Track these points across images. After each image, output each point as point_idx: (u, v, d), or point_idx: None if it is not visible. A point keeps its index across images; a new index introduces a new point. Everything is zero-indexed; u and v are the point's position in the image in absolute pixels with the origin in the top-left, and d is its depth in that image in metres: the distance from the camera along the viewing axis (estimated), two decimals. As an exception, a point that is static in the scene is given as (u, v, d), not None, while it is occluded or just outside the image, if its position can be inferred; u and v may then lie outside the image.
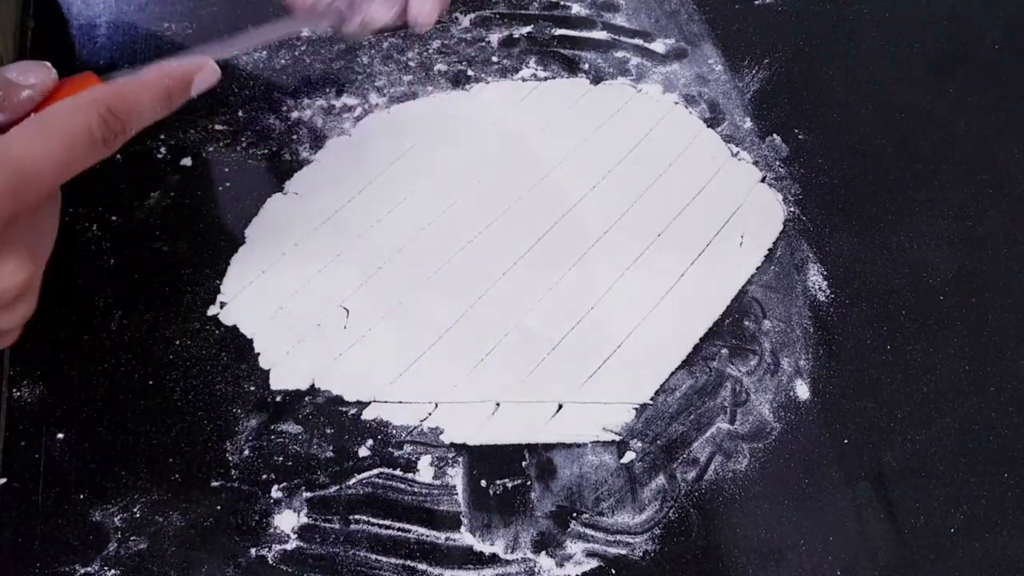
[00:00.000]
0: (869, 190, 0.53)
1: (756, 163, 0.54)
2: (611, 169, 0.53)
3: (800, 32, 0.58)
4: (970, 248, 0.52)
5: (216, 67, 0.41)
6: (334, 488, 0.43)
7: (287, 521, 0.42)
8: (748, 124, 0.55)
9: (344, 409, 0.45)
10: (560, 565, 0.42)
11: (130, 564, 0.41)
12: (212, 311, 0.46)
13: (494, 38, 0.57)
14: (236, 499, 0.43)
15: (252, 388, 0.45)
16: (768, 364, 0.48)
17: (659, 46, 0.57)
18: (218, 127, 0.52)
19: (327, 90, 0.53)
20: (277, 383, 0.45)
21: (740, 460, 0.45)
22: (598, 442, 0.45)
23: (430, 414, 0.45)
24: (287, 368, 0.46)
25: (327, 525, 0.42)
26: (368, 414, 0.45)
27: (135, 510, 0.42)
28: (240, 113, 0.52)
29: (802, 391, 0.47)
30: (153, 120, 0.39)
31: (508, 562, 0.42)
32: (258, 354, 0.46)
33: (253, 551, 0.42)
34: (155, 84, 0.40)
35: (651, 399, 0.47)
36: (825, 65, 0.57)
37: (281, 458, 0.44)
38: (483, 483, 0.44)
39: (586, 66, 0.56)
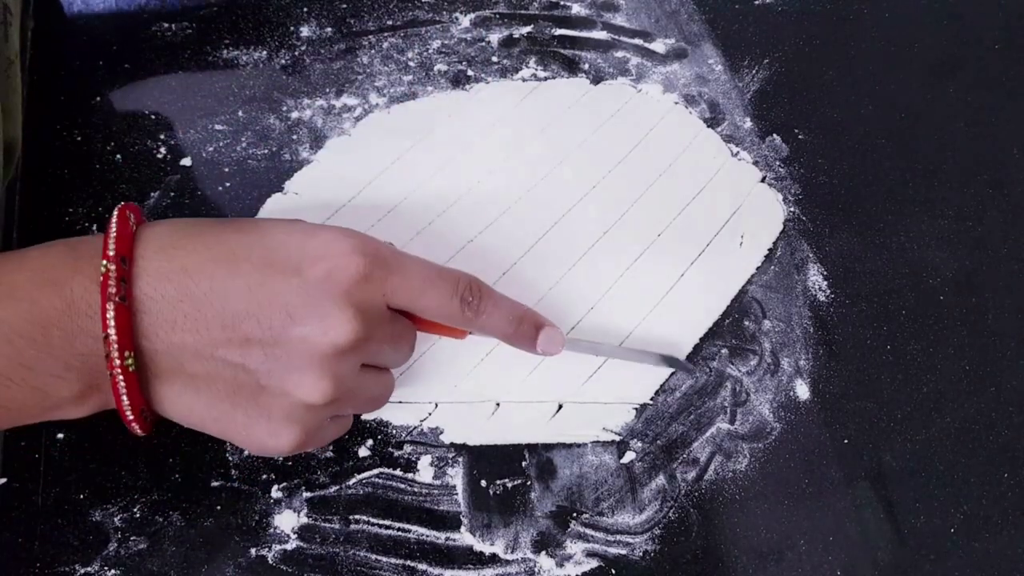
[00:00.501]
0: (869, 190, 0.53)
1: (756, 163, 0.54)
2: (611, 169, 0.52)
3: (800, 32, 0.58)
4: (970, 248, 0.52)
5: (563, 340, 0.43)
6: (334, 488, 0.43)
7: (287, 521, 0.42)
8: (748, 124, 0.55)
9: (344, 409, 0.45)
10: (560, 565, 0.42)
11: (130, 564, 0.41)
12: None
13: (494, 38, 0.57)
14: (236, 499, 0.43)
15: (252, 388, 0.45)
16: (768, 364, 0.48)
17: (659, 46, 0.57)
18: (218, 127, 0.52)
19: (327, 90, 0.53)
20: None
21: (740, 460, 0.45)
22: (598, 442, 0.45)
23: (430, 414, 0.45)
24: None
25: (327, 525, 0.42)
26: (368, 414, 0.45)
27: (135, 510, 0.42)
28: (240, 113, 0.52)
29: (802, 391, 0.47)
30: (499, 327, 0.42)
31: (508, 562, 0.42)
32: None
33: (253, 551, 0.42)
34: (512, 303, 0.42)
35: (651, 399, 0.47)
36: (825, 65, 0.57)
37: (281, 458, 0.44)
38: (483, 483, 0.44)
39: (586, 66, 0.56)
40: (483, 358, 0.47)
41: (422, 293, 0.38)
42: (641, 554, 0.43)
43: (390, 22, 0.56)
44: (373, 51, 0.55)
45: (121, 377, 0.34)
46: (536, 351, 0.43)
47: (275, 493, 0.43)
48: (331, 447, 0.44)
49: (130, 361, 0.34)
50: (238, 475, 0.43)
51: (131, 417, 0.36)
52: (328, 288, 0.35)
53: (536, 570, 0.42)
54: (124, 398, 0.35)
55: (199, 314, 0.34)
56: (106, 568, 0.41)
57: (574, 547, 0.43)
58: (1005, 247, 0.52)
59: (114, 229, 0.35)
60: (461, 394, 0.46)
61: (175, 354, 0.35)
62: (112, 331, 0.33)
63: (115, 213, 0.36)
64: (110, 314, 0.33)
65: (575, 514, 0.44)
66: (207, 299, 0.34)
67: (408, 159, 0.52)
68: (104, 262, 0.33)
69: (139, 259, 0.34)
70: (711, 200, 0.52)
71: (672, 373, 0.47)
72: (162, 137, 0.51)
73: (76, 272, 0.34)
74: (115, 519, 0.42)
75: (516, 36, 0.57)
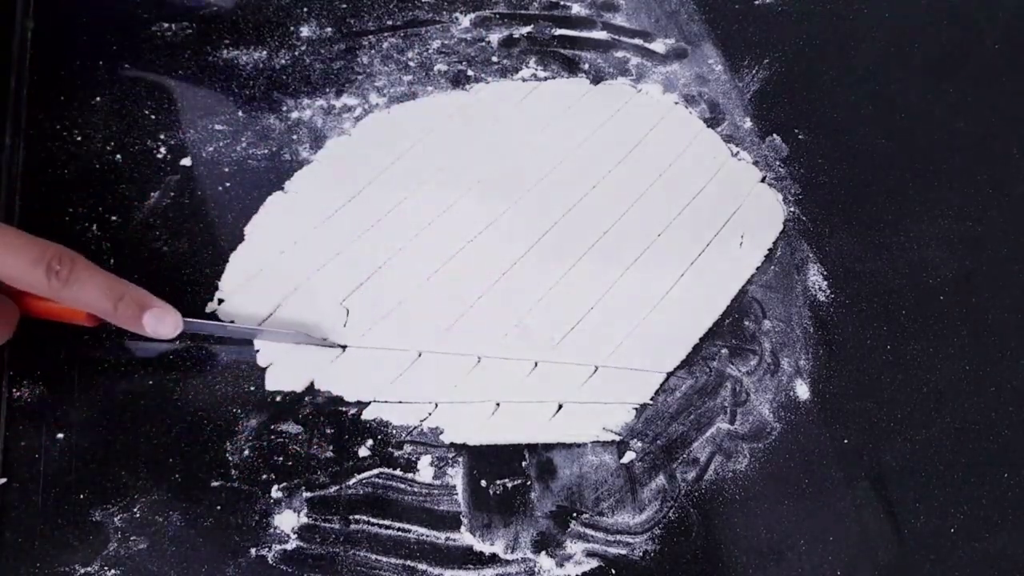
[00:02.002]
0: (869, 190, 0.53)
1: (756, 163, 0.54)
2: (611, 169, 0.53)
3: (800, 32, 0.58)
4: (970, 248, 0.52)
5: (178, 322, 0.42)
6: (334, 488, 0.43)
7: (287, 521, 0.42)
8: (748, 124, 0.55)
9: (344, 409, 0.45)
10: (560, 565, 0.42)
11: (130, 564, 0.41)
12: (210, 307, 0.46)
13: (494, 38, 0.57)
14: (236, 499, 0.43)
15: (252, 388, 0.45)
16: (768, 364, 0.48)
17: (659, 46, 0.57)
18: (218, 127, 0.52)
19: (327, 90, 0.53)
20: (273, 384, 0.45)
21: (740, 460, 0.45)
22: (598, 442, 0.45)
23: (430, 414, 0.45)
24: (285, 368, 0.46)
25: (327, 525, 0.42)
26: (368, 414, 0.45)
27: (135, 510, 0.42)
28: (240, 113, 0.52)
29: (802, 391, 0.47)
30: (97, 302, 0.41)
31: (508, 562, 0.42)
32: (257, 351, 0.46)
33: (253, 551, 0.42)
34: (113, 280, 0.41)
35: (651, 399, 0.47)
36: (825, 65, 0.57)
37: (281, 458, 0.44)
38: (483, 483, 0.44)
39: (586, 66, 0.56)
40: (483, 358, 0.47)
41: (3, 259, 0.38)
42: (641, 554, 0.43)
43: (390, 22, 0.56)
44: (373, 51, 0.55)
45: None
46: (146, 331, 0.42)
47: (275, 493, 0.43)
48: (331, 447, 0.44)
49: None
50: (238, 475, 0.43)
51: None
52: None
53: (536, 570, 0.42)
54: None
55: None
56: (106, 568, 0.41)
57: (574, 547, 0.43)
58: (1005, 247, 0.52)
59: None
60: (461, 394, 0.46)
61: None
62: None
63: None
64: None
65: (575, 514, 0.44)
66: None
67: (408, 159, 0.52)
68: None
69: None
70: (711, 200, 0.52)
71: (671, 373, 0.47)
72: (162, 137, 0.51)
73: None
74: (115, 519, 0.42)
75: (516, 36, 0.57)
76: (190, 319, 0.43)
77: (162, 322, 0.42)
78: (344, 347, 0.46)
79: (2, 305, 0.40)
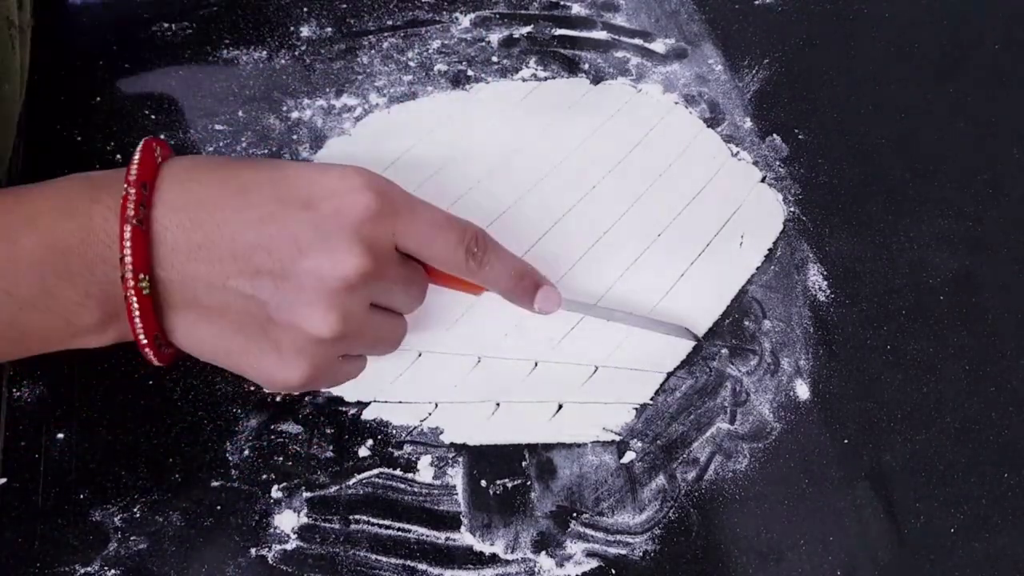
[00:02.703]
0: (869, 190, 0.53)
1: (756, 163, 0.54)
2: (611, 169, 0.52)
3: (800, 32, 0.58)
4: (970, 248, 0.52)
5: (560, 300, 0.44)
6: (334, 488, 0.43)
7: (287, 521, 0.42)
8: (748, 124, 0.55)
9: (344, 409, 0.45)
10: (560, 565, 0.42)
11: (130, 564, 0.41)
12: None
13: (494, 38, 0.57)
14: (236, 499, 0.43)
15: (252, 388, 0.45)
16: (768, 364, 0.48)
17: (659, 46, 0.57)
18: (218, 127, 0.52)
19: (327, 90, 0.53)
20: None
21: (740, 460, 0.45)
22: (598, 442, 0.45)
23: (430, 414, 0.45)
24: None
25: (327, 525, 0.42)
26: (368, 414, 0.45)
27: (135, 510, 0.42)
28: (240, 113, 0.52)
29: (802, 391, 0.47)
30: (501, 280, 0.42)
31: (508, 562, 0.42)
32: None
33: (253, 551, 0.42)
34: (515, 258, 0.43)
35: (651, 399, 0.47)
36: (825, 65, 0.57)
37: (281, 458, 0.44)
38: (483, 483, 0.44)
39: (586, 66, 0.56)
40: (483, 358, 0.47)
41: (430, 238, 0.39)
42: (641, 554, 0.43)
43: (390, 22, 0.56)
44: (373, 51, 0.55)
45: (135, 299, 0.35)
46: (534, 308, 0.44)
47: (275, 493, 0.43)
48: (331, 447, 0.44)
49: (144, 284, 0.35)
50: (238, 475, 0.43)
51: (144, 342, 0.36)
52: (338, 222, 0.36)
53: (536, 570, 0.42)
54: (138, 321, 0.35)
55: (212, 245, 0.35)
56: (106, 568, 0.41)
57: (574, 547, 0.43)
58: (1005, 247, 0.52)
59: (138, 157, 0.36)
60: (461, 394, 0.46)
61: (188, 284, 0.36)
62: (128, 253, 0.34)
63: (141, 144, 0.36)
64: (127, 236, 0.34)
65: (575, 514, 0.44)
66: (219, 231, 0.35)
67: (408, 159, 0.52)
68: (125, 186, 0.34)
69: (158, 189, 0.35)
70: (711, 200, 0.52)
71: (671, 373, 0.47)
72: (162, 137, 0.51)
73: (95, 201, 0.35)
74: (115, 519, 0.42)
75: (516, 36, 0.57)
76: (569, 299, 0.45)
77: (549, 300, 0.44)
78: (700, 340, 0.47)
79: (419, 275, 0.41)
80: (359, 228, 0.36)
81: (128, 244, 0.34)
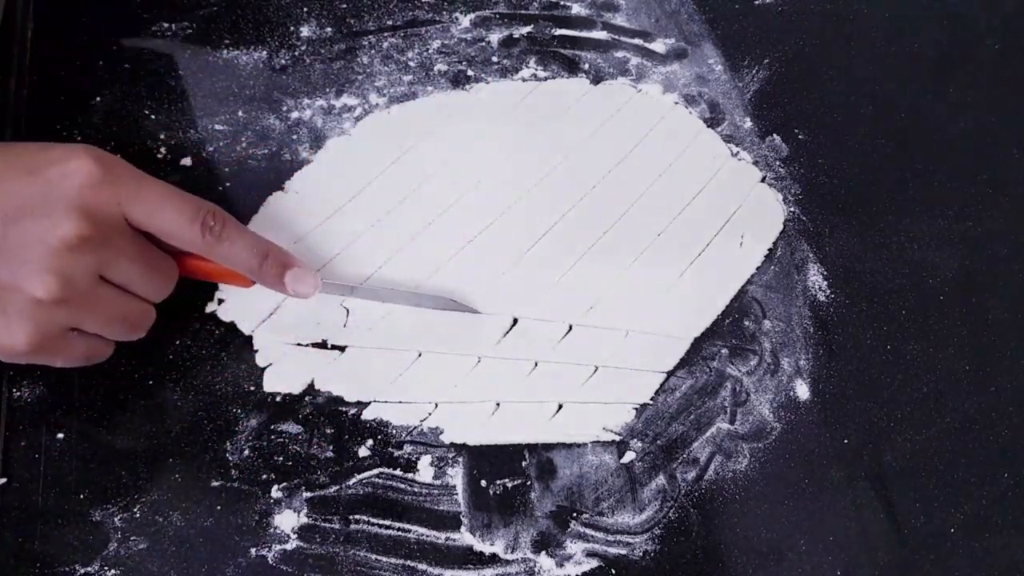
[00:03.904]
0: (869, 190, 0.53)
1: (756, 163, 0.54)
2: (611, 169, 0.52)
3: (800, 32, 0.58)
4: (970, 248, 0.52)
5: (316, 282, 0.44)
6: (334, 488, 0.43)
7: (287, 521, 0.42)
8: (748, 124, 0.55)
9: (344, 409, 0.45)
10: (560, 565, 0.42)
11: (130, 564, 0.41)
12: (210, 308, 0.46)
13: (494, 38, 0.57)
14: (236, 499, 0.43)
15: (252, 388, 0.45)
16: (768, 364, 0.48)
17: (659, 46, 0.57)
18: (218, 127, 0.52)
19: (327, 90, 0.53)
20: (271, 385, 0.45)
21: (740, 460, 0.45)
22: (598, 442, 0.45)
23: (430, 414, 0.45)
24: (284, 368, 0.46)
25: (327, 525, 0.42)
26: (368, 414, 0.45)
27: (135, 510, 0.42)
28: (240, 113, 0.52)
29: (802, 391, 0.47)
30: (243, 259, 0.42)
31: (508, 562, 0.42)
32: (256, 351, 0.46)
33: (253, 551, 0.42)
34: (259, 239, 0.43)
35: (651, 399, 0.47)
36: (825, 65, 0.57)
37: (281, 458, 0.44)
38: (483, 483, 0.44)
39: (586, 66, 0.56)
40: (483, 358, 0.47)
41: (159, 210, 0.40)
42: (641, 554, 0.43)
43: (390, 22, 0.56)
44: (373, 51, 0.55)
45: None
46: (287, 292, 0.44)
47: (275, 493, 0.43)
48: (331, 447, 0.44)
49: None
50: (238, 475, 0.43)
51: None
52: (60, 188, 0.37)
53: (536, 570, 0.42)
54: None
55: None
56: (106, 568, 0.41)
57: (574, 547, 0.43)
58: (1005, 247, 0.52)
59: None
60: (461, 394, 0.46)
61: None
62: None
63: None
64: None
65: (575, 514, 0.44)
66: None
67: (408, 159, 0.52)
68: None
69: None
70: (711, 200, 0.52)
71: (671, 373, 0.47)
72: (162, 137, 0.51)
73: None
74: (115, 519, 0.42)
75: (516, 36, 0.57)
76: (329, 281, 0.45)
77: (301, 281, 0.44)
78: (476, 311, 0.47)
79: (163, 262, 0.42)
80: (80, 193, 0.37)
81: None
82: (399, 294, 0.47)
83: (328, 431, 0.45)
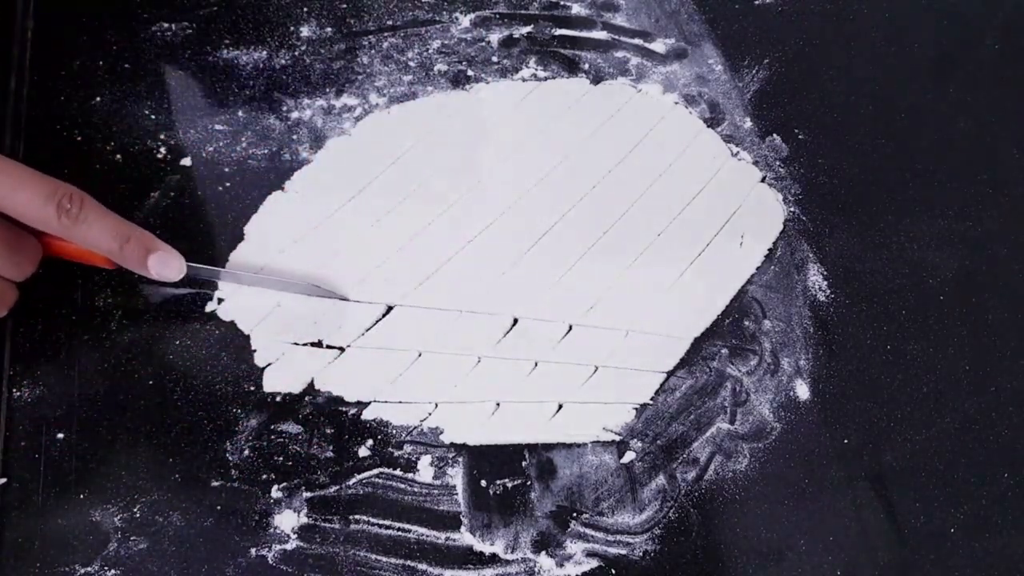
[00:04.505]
0: (869, 190, 0.53)
1: (756, 163, 0.54)
2: (611, 169, 0.52)
3: (800, 32, 0.58)
4: (970, 248, 0.52)
5: (182, 267, 0.44)
6: (334, 488, 0.43)
7: (287, 521, 0.42)
8: (748, 124, 0.55)
9: (344, 409, 0.45)
10: (560, 565, 0.42)
11: (130, 564, 0.41)
12: (210, 307, 0.47)
13: (494, 38, 0.57)
14: (236, 499, 0.43)
15: (252, 388, 0.45)
16: (768, 364, 0.48)
17: (659, 46, 0.57)
18: (218, 127, 0.52)
19: (327, 90, 0.53)
20: (270, 385, 0.45)
21: (740, 460, 0.45)
22: (598, 442, 0.45)
23: (430, 414, 0.45)
24: (283, 368, 0.46)
25: (327, 525, 0.42)
26: (368, 414, 0.45)
27: (135, 510, 0.42)
28: (240, 113, 0.52)
29: (802, 391, 0.47)
30: (103, 242, 0.43)
31: (508, 562, 0.42)
32: (255, 351, 0.46)
33: (253, 551, 0.42)
34: (121, 222, 0.43)
35: (651, 399, 0.47)
36: (825, 65, 0.57)
37: (281, 458, 0.44)
38: (483, 483, 0.44)
39: (586, 66, 0.56)
40: (483, 358, 0.47)
41: (13, 191, 0.40)
42: (641, 554, 0.43)
43: (390, 22, 0.56)
44: (373, 51, 0.55)
45: None
46: (151, 274, 0.44)
47: (275, 493, 0.43)
48: (331, 447, 0.44)
49: None
50: (238, 475, 0.43)
51: None
52: None
53: (536, 570, 0.42)
54: None
55: None
56: (106, 568, 0.41)
57: (574, 547, 0.43)
58: (1005, 247, 0.52)
59: None
60: (461, 394, 0.46)
61: None
62: None
63: None
64: None
65: (575, 514, 0.44)
66: None
67: (408, 159, 0.52)
68: None
69: None
70: (711, 200, 0.52)
71: (671, 373, 0.47)
72: (162, 137, 0.51)
73: None
74: (115, 519, 0.42)
75: (516, 36, 0.57)
76: (194, 264, 0.45)
77: (166, 265, 0.44)
78: (345, 298, 0.47)
79: (25, 241, 0.42)
80: None
81: None
82: (264, 279, 0.47)
83: (328, 431, 0.45)
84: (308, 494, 0.43)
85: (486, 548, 0.43)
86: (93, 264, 0.45)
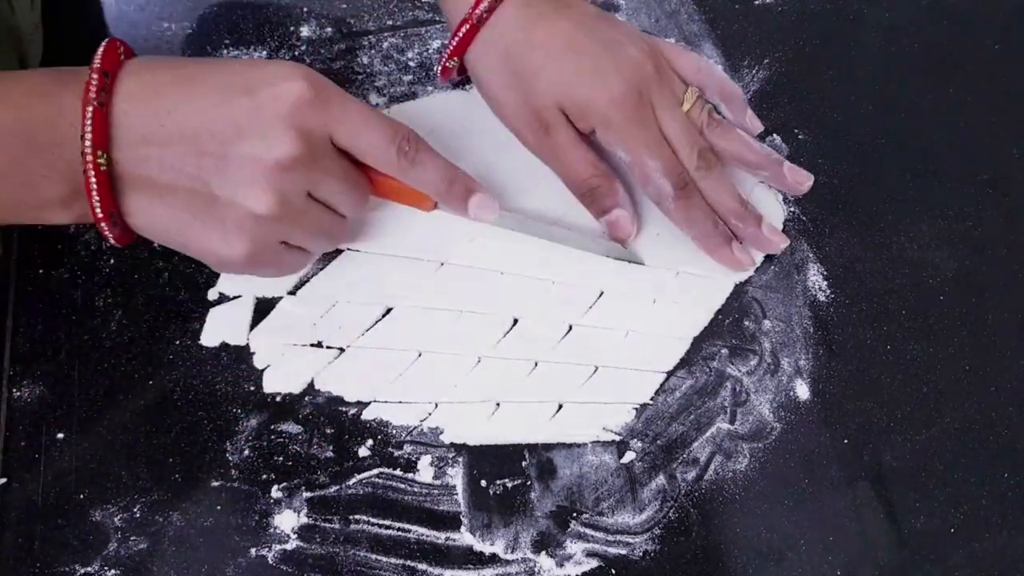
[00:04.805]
0: (869, 190, 0.53)
1: (756, 163, 0.54)
2: (611, 169, 0.52)
3: (800, 32, 0.58)
4: (970, 248, 0.52)
5: (496, 210, 0.46)
6: (334, 488, 0.43)
7: (287, 521, 0.42)
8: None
9: (344, 409, 0.45)
10: (560, 565, 0.42)
11: (130, 564, 0.41)
12: (210, 310, 0.47)
13: (494, 38, 0.57)
14: (236, 499, 0.43)
15: (252, 388, 0.45)
16: (768, 364, 0.48)
17: (659, 46, 0.57)
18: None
19: (327, 90, 0.53)
20: (270, 386, 0.45)
21: (740, 460, 0.45)
22: (598, 442, 0.45)
23: (430, 414, 0.45)
24: (283, 368, 0.46)
25: (327, 525, 0.43)
26: (368, 414, 0.45)
27: (135, 510, 0.42)
28: (240, 113, 0.52)
29: (802, 391, 0.47)
30: (433, 182, 0.45)
31: (508, 562, 0.42)
32: (253, 353, 0.46)
33: (253, 551, 0.42)
34: (448, 164, 0.45)
35: (651, 399, 0.47)
36: (825, 65, 0.57)
37: (281, 458, 0.44)
38: (483, 483, 0.44)
39: (586, 66, 0.56)
40: (483, 358, 0.47)
41: (361, 132, 0.42)
42: (641, 554, 0.43)
43: (390, 22, 0.56)
44: (373, 51, 0.55)
45: (93, 175, 0.37)
46: (468, 215, 0.46)
47: (275, 493, 0.43)
48: (331, 447, 0.44)
49: (103, 160, 0.37)
50: (238, 475, 0.43)
51: (100, 215, 0.38)
52: (273, 109, 0.39)
53: (536, 570, 0.42)
54: (95, 196, 0.38)
55: (163, 130, 0.38)
56: (106, 568, 0.41)
57: (574, 547, 0.43)
58: (1005, 247, 0.52)
59: (101, 50, 0.38)
60: (461, 394, 0.46)
61: (142, 165, 0.39)
62: (88, 131, 0.37)
63: (105, 41, 0.39)
64: (88, 115, 0.37)
65: (575, 514, 0.44)
66: (170, 116, 0.38)
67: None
68: (90, 72, 0.38)
69: (119, 79, 0.38)
70: (711, 200, 0.52)
71: (671, 373, 0.47)
72: (162, 137, 0.51)
73: (64, 87, 0.38)
74: (115, 519, 0.42)
75: (516, 36, 0.57)
76: (506, 212, 0.47)
77: (484, 207, 0.46)
78: (641, 262, 0.50)
79: (361, 180, 0.44)
80: (293, 114, 0.39)
81: (89, 123, 0.37)
82: (568, 236, 0.49)
83: (328, 431, 0.45)
84: (308, 494, 0.43)
85: (486, 548, 0.43)
86: (411, 204, 0.46)
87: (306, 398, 0.45)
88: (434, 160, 0.44)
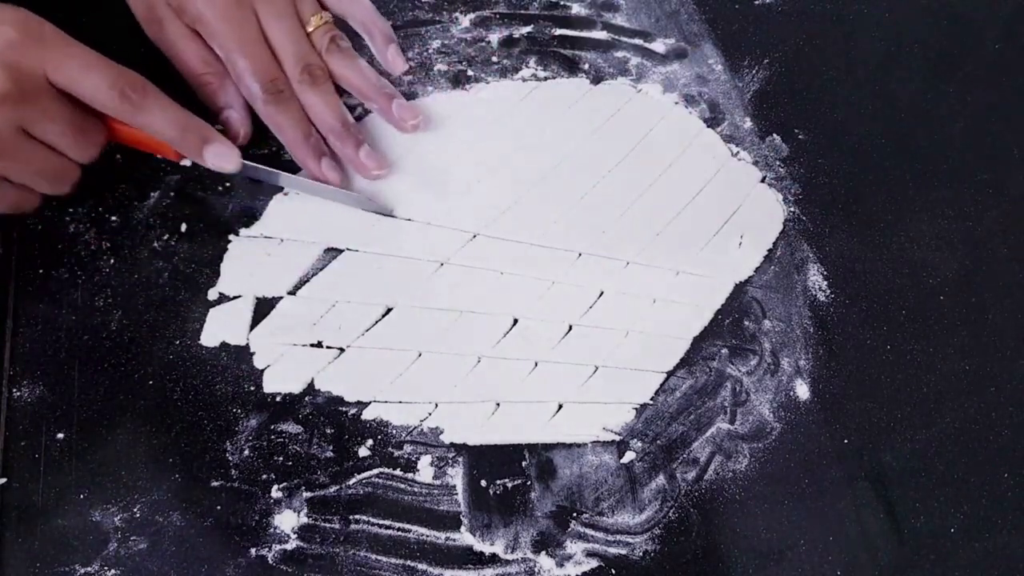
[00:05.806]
0: (869, 190, 0.53)
1: (756, 163, 0.54)
2: (611, 169, 0.52)
3: (800, 32, 0.58)
4: (970, 248, 0.52)
5: (237, 160, 0.46)
6: (334, 488, 0.43)
7: (287, 521, 0.42)
8: (748, 124, 0.55)
9: (344, 409, 0.45)
10: (560, 565, 0.42)
11: (130, 564, 0.41)
12: (212, 295, 0.47)
13: (494, 38, 0.57)
14: (236, 499, 0.43)
15: (252, 388, 0.45)
16: (768, 364, 0.48)
17: (659, 46, 0.57)
18: (218, 127, 0.52)
19: (327, 90, 0.53)
20: (270, 386, 0.45)
21: (740, 460, 0.45)
22: (598, 442, 0.45)
23: (430, 414, 0.45)
24: (283, 368, 0.46)
25: (327, 525, 0.43)
26: (368, 414, 0.45)
27: (135, 510, 0.42)
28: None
29: (802, 391, 0.47)
30: (164, 129, 0.44)
31: (508, 562, 0.42)
32: (254, 353, 0.46)
33: (253, 551, 0.42)
34: (182, 111, 0.45)
35: (651, 399, 0.47)
36: (825, 65, 0.57)
37: (281, 458, 0.44)
38: (483, 483, 0.44)
39: (586, 66, 0.56)
40: (483, 358, 0.47)
41: (81, 75, 0.42)
42: (641, 554, 0.43)
43: (390, 22, 0.56)
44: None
45: None
46: (207, 164, 0.46)
47: (275, 493, 0.43)
48: (331, 447, 0.44)
49: None
50: (238, 475, 0.43)
51: None
52: None
53: (536, 570, 0.42)
54: None
55: None
56: (106, 568, 0.41)
57: (574, 547, 0.43)
58: (1005, 247, 0.52)
59: None
60: (461, 394, 0.46)
61: None
62: None
63: None
64: None
65: (575, 514, 0.44)
66: None
67: (408, 159, 0.52)
68: None
69: None
70: (711, 200, 0.52)
71: (671, 373, 0.47)
72: (162, 137, 0.51)
73: None
74: (115, 519, 0.42)
75: (516, 36, 0.57)
76: (248, 161, 0.47)
77: (222, 157, 0.46)
78: (392, 214, 0.50)
79: (91, 124, 0.44)
80: (2, 53, 0.40)
81: None
82: (318, 188, 0.49)
83: (328, 431, 0.45)
84: (308, 494, 0.43)
85: (486, 548, 0.43)
86: (158, 153, 0.46)
87: (306, 398, 0.45)
88: (164, 107, 0.44)
